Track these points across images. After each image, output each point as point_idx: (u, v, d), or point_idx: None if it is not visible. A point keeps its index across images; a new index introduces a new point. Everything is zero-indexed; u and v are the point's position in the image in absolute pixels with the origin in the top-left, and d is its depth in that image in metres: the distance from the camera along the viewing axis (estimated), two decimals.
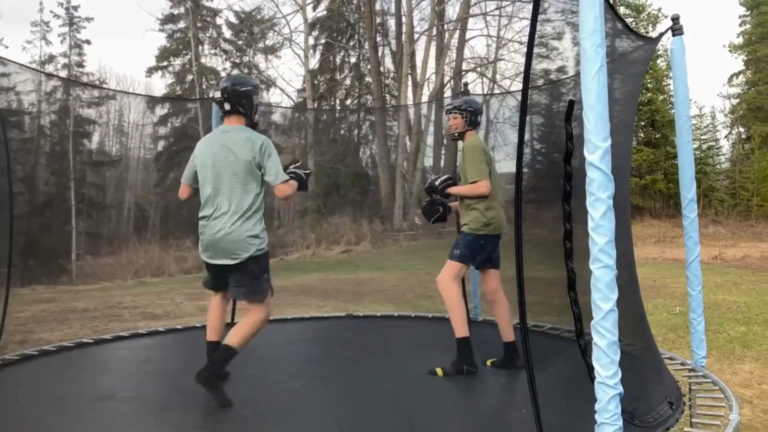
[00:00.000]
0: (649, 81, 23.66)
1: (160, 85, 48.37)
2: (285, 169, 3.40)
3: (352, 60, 27.44)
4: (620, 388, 2.08)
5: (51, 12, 27.02)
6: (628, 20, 23.63)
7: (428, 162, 24.04)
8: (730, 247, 16.67)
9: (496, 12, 23.75)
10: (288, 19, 26.09)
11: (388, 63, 26.13)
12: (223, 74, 27.96)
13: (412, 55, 23.97)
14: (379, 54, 25.05)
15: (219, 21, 28.70)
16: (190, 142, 25.30)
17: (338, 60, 27.58)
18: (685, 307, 4.46)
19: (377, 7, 24.87)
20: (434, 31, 23.63)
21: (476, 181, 3.84)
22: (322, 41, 27.02)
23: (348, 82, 27.76)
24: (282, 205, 21.99)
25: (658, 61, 23.71)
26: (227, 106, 3.34)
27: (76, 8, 26.89)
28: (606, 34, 2.16)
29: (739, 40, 29.06)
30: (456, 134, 4.11)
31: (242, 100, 3.33)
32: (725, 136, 30.49)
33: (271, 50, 27.96)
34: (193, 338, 5.37)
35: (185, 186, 3.50)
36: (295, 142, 25.55)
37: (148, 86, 34.10)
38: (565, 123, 2.43)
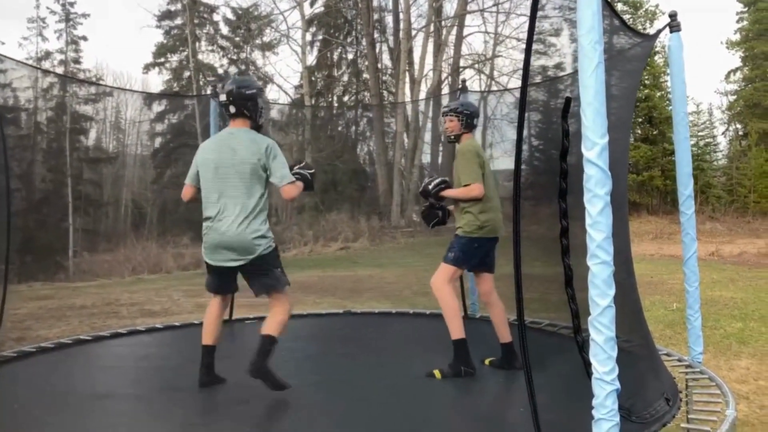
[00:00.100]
0: (646, 77, 23.69)
1: (157, 81, 48.35)
2: (290, 169, 3.41)
3: (350, 56, 27.42)
4: (617, 384, 2.08)
5: (47, 8, 26.88)
6: (626, 17, 23.65)
7: (426, 159, 24.07)
8: (726, 244, 16.72)
9: (494, 8, 23.77)
10: (285, 16, 26.22)
11: (386, 59, 26.15)
12: (220, 71, 27.94)
13: (410, 51, 23.97)
14: (377, 50, 25.04)
15: (216, 17, 28.67)
16: (188, 138, 25.37)
17: (335, 56, 27.55)
18: (682, 304, 4.48)
19: (375, 3, 24.86)
20: (432, 28, 23.60)
21: (469, 184, 3.86)
22: (320, 38, 26.98)
23: (345, 78, 27.73)
24: (280, 202, 21.98)
25: (656, 58, 23.73)
26: (232, 109, 3.34)
27: (72, 4, 26.84)
28: (604, 31, 2.16)
29: (737, 37, 29.10)
30: (452, 137, 4.11)
31: (247, 103, 3.34)
32: (722, 133, 30.58)
33: (268, 47, 27.89)
34: (191, 335, 5.36)
35: (189, 187, 3.49)
36: (292, 138, 25.52)
37: (144, 83, 34.07)
38: (561, 120, 2.43)
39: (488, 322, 4.12)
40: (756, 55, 27.67)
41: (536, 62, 21.17)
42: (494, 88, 23.79)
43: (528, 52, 2.30)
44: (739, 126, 29.85)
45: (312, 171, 3.66)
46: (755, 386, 4.44)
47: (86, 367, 4.38)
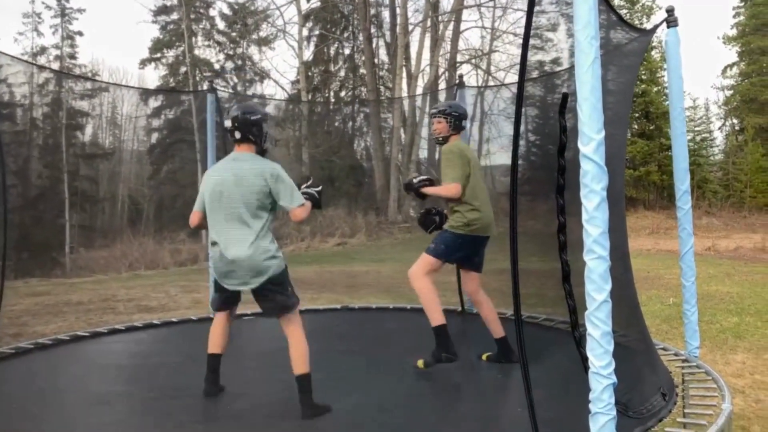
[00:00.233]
0: (643, 73, 23.71)
1: (153, 76, 48.20)
2: (298, 188, 3.41)
3: (347, 52, 27.37)
4: (614, 378, 2.09)
5: (43, 3, 26.73)
6: (623, 12, 23.64)
7: (423, 154, 24.02)
8: (723, 239, 16.77)
9: (491, 3, 23.72)
10: (282, 11, 26.11)
11: (383, 55, 26.09)
12: (216, 66, 27.89)
13: (407, 46, 23.91)
14: (374, 45, 24.98)
15: (212, 12, 28.62)
16: (184, 134, 25.34)
17: (332, 52, 27.51)
18: (679, 298, 4.50)
19: None
20: (429, 23, 23.55)
21: (449, 183, 3.89)
22: (316, 33, 26.92)
23: (342, 73, 27.69)
24: None
25: (653, 53, 23.74)
26: (238, 135, 3.35)
27: None
28: (600, 26, 2.16)
29: (733, 32, 29.13)
30: (440, 138, 4.13)
31: (252, 128, 3.35)
32: (719, 128, 30.67)
33: (264, 42, 27.84)
34: (189, 331, 5.38)
35: (197, 213, 3.47)
36: (289, 134, 25.50)
37: (141, 78, 34.03)
38: (558, 116, 2.43)
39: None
40: (753, 50, 27.71)
41: (533, 57, 21.20)
42: (491, 83, 23.80)
43: (525, 47, 2.29)
44: (735, 121, 29.93)
45: (319, 188, 3.67)
46: (751, 380, 4.46)
47: (83, 364, 4.38)
